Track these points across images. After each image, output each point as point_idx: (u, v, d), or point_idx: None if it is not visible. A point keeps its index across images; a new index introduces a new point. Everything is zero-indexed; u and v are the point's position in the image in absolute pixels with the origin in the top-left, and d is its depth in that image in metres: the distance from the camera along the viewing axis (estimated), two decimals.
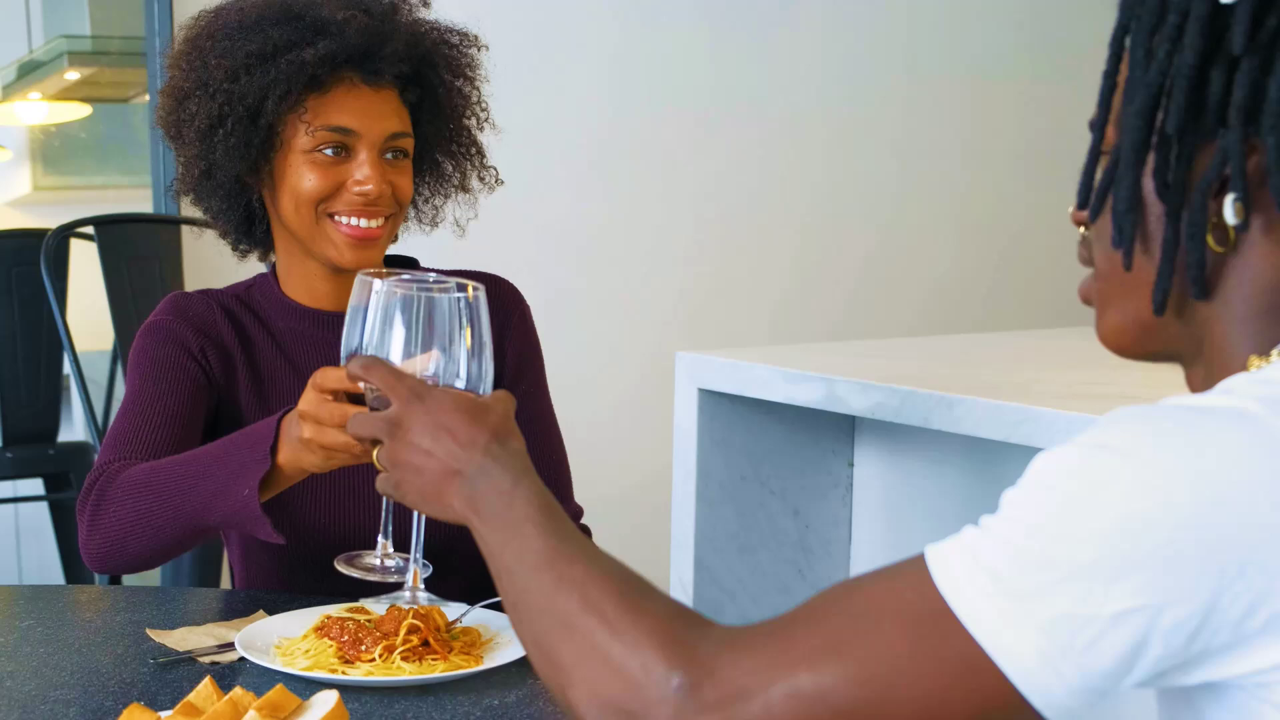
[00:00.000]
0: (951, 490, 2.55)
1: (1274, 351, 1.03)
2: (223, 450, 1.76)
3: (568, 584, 1.10)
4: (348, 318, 1.51)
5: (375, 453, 1.32)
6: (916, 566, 0.99)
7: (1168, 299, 1.06)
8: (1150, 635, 0.92)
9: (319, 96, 1.89)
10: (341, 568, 1.67)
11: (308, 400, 1.63)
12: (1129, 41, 1.06)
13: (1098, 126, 1.10)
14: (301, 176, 1.90)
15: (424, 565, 1.68)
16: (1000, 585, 0.94)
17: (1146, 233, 1.08)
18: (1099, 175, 1.09)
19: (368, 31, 1.89)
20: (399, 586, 1.70)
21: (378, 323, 1.42)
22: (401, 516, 1.68)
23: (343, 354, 1.52)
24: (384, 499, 1.66)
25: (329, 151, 1.89)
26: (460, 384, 1.41)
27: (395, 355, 1.40)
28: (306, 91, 1.88)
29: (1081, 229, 1.16)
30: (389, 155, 1.93)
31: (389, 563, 1.67)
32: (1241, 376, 1.01)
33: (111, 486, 1.80)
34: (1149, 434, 0.94)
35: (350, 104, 1.90)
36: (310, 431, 1.63)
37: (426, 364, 1.46)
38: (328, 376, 1.61)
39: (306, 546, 1.96)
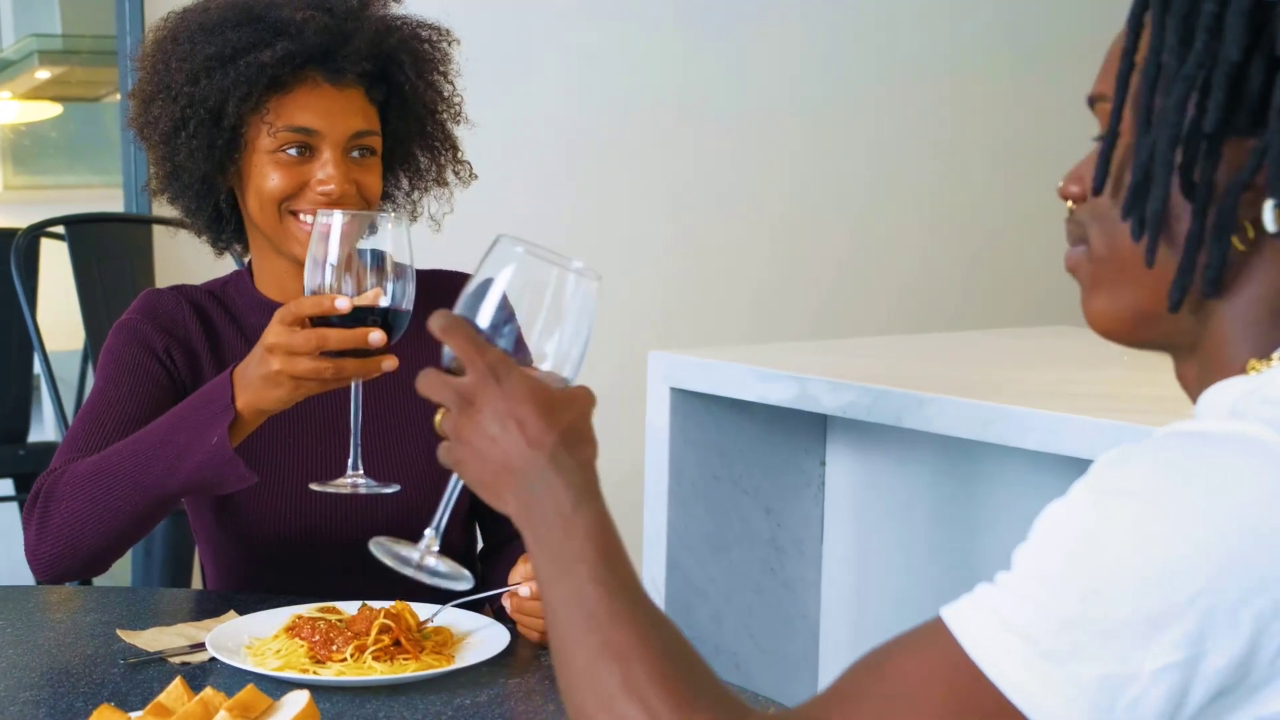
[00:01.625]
0: (923, 489, 2.55)
1: (1275, 355, 1.01)
2: (178, 416, 1.78)
3: (611, 654, 1.04)
4: (312, 253, 1.65)
5: (440, 417, 1.21)
6: (941, 635, 0.95)
7: (1185, 296, 1.02)
8: (1191, 684, 0.90)
9: (281, 97, 1.89)
10: (316, 486, 1.73)
11: (275, 332, 1.67)
12: (1166, 24, 1.00)
13: (1115, 108, 1.04)
14: (265, 176, 1.90)
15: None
16: (1035, 648, 0.91)
17: (1167, 228, 1.03)
18: (1116, 159, 1.05)
19: (327, 31, 1.89)
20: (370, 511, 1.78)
21: (474, 281, 1.26)
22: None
23: (307, 287, 1.66)
24: (352, 446, 1.71)
25: (292, 151, 1.89)
26: (546, 365, 1.25)
27: (483, 320, 1.24)
28: (268, 92, 1.89)
29: (1070, 204, 1.12)
30: (355, 154, 1.92)
31: (360, 481, 1.72)
32: (1245, 390, 0.99)
33: (59, 485, 1.80)
34: (1164, 473, 0.91)
35: (312, 103, 1.90)
36: (280, 362, 1.67)
37: (375, 298, 1.62)
38: (303, 305, 1.65)
39: (274, 541, 1.96)
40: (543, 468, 1.12)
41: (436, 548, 1.33)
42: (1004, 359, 2.66)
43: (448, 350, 1.21)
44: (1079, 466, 2.23)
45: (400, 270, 1.68)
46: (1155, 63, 1.01)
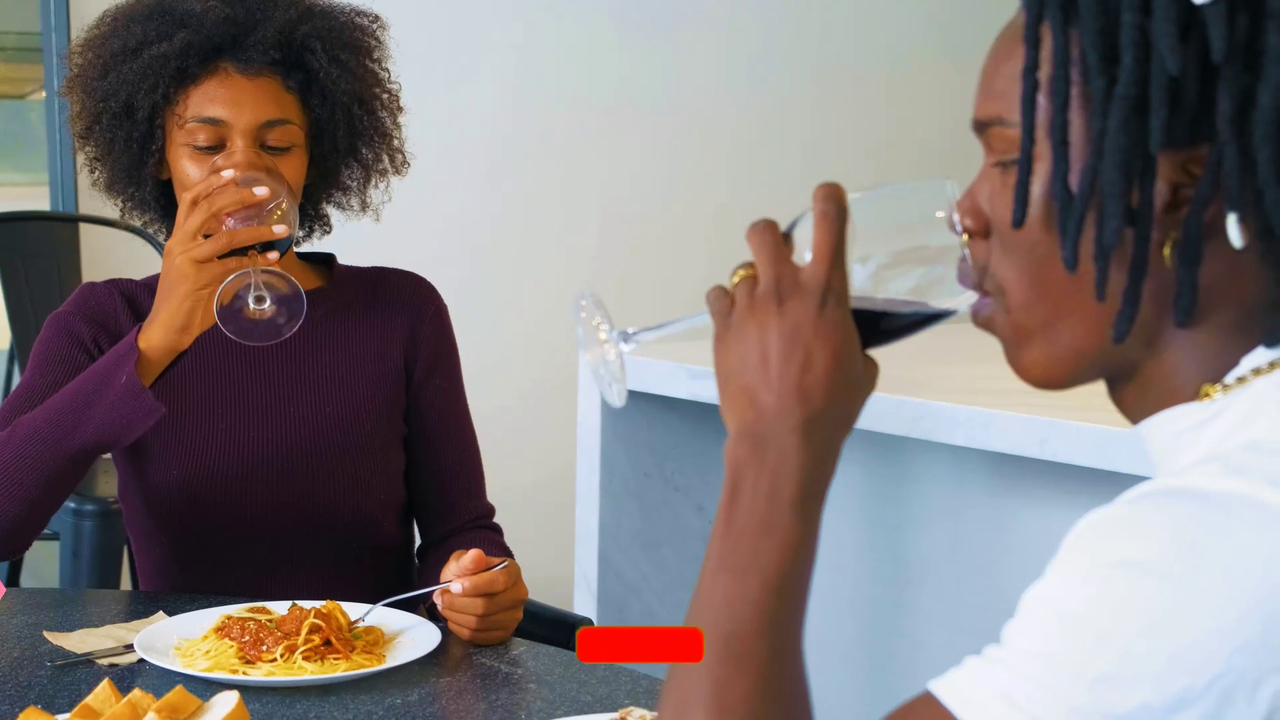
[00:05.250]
0: (851, 485, 2.57)
1: (1229, 377, 0.95)
2: (85, 374, 1.80)
3: (716, 694, 0.95)
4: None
5: (737, 277, 1.05)
6: (938, 713, 0.88)
7: (1132, 327, 0.94)
8: None
9: (192, 88, 1.89)
10: (217, 308, 1.79)
11: (175, 232, 1.76)
12: (1072, 38, 0.93)
13: (1026, 131, 0.96)
14: (183, 170, 1.89)
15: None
16: None
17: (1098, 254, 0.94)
18: (1035, 188, 0.97)
19: (230, 21, 1.89)
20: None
21: (886, 192, 1.09)
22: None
23: None
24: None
25: (201, 139, 1.88)
26: (901, 289, 1.07)
27: (864, 238, 1.06)
28: (178, 84, 1.89)
29: (965, 239, 1.03)
30: (270, 145, 1.90)
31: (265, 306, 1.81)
32: (1203, 419, 0.95)
33: None
34: (1175, 545, 0.85)
35: (220, 94, 1.89)
36: (179, 250, 1.75)
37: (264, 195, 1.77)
38: (195, 189, 1.77)
39: (204, 527, 1.95)
40: (791, 429, 0.98)
41: (627, 350, 1.13)
42: (933, 354, 2.67)
43: (803, 229, 1.06)
44: (1008, 462, 2.25)
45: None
46: (1064, 80, 0.94)
